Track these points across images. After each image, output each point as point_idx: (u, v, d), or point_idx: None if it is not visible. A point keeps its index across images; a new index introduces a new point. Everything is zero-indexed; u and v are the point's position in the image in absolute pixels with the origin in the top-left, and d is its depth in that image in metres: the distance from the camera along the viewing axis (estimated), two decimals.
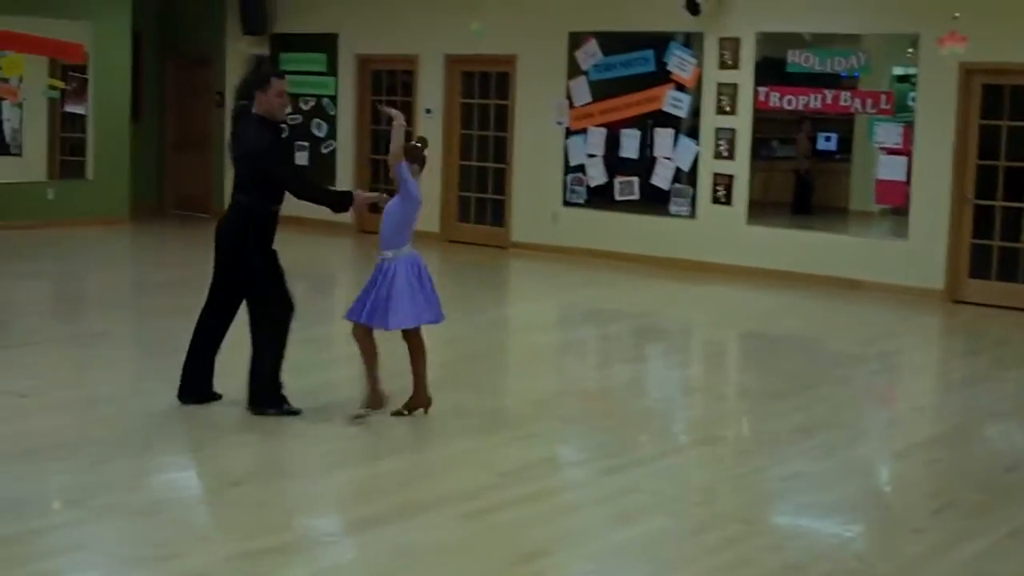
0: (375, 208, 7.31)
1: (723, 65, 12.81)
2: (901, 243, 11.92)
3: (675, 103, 13.15)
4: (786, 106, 12.50)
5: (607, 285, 12.29)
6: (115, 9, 15.50)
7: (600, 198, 13.75)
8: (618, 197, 13.63)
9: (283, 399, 6.93)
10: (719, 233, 12.93)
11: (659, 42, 13.19)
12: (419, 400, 6.97)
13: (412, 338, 6.92)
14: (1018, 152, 11.32)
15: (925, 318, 11.04)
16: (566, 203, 14.01)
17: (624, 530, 5.38)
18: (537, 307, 11.62)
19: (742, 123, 12.73)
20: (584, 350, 9.79)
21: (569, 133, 13.92)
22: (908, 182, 11.79)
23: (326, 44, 15.82)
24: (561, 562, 5.07)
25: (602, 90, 13.63)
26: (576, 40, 13.75)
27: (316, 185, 7.00)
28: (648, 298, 11.78)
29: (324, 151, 15.98)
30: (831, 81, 12.22)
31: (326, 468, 6.27)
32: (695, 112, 13.04)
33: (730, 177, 12.84)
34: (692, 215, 13.14)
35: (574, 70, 13.79)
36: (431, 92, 14.99)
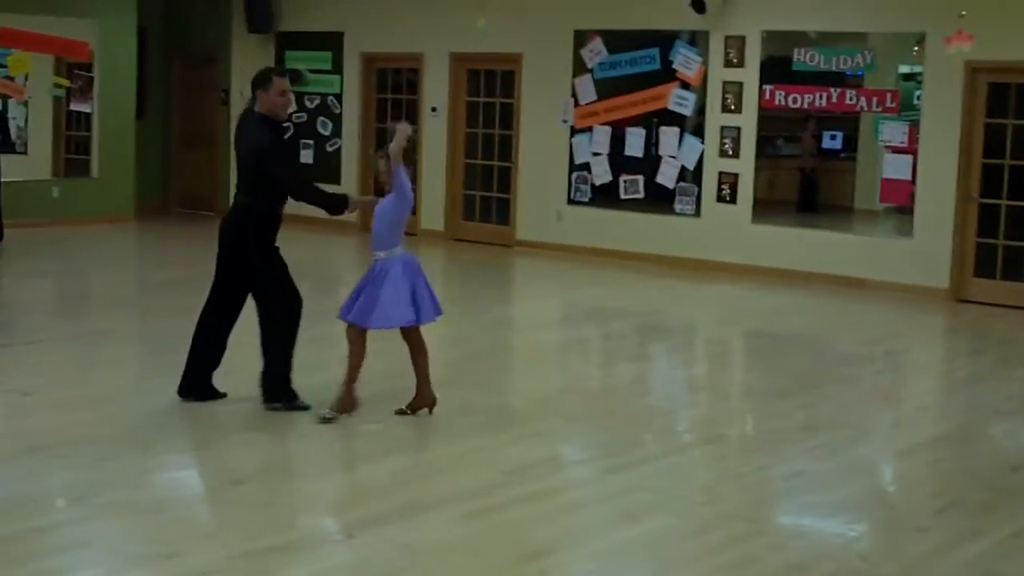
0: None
1: (728, 63, 12.80)
2: (906, 242, 11.90)
3: (680, 101, 13.14)
4: (791, 105, 12.48)
5: (612, 283, 12.28)
6: (121, 7, 15.51)
7: (605, 197, 13.72)
8: (623, 196, 13.61)
9: (293, 393, 6.93)
10: (724, 232, 12.91)
11: (664, 40, 13.17)
12: (423, 399, 6.96)
13: (412, 338, 6.90)
14: None
15: (930, 317, 11.02)
16: (571, 201, 14.00)
17: (627, 529, 5.37)
18: (542, 305, 11.61)
19: (747, 121, 12.71)
20: (588, 348, 9.78)
21: (574, 131, 13.90)
22: (913, 181, 11.78)
23: (332, 42, 15.82)
24: (564, 561, 5.06)
25: (607, 88, 13.61)
26: (581, 38, 13.74)
27: (312, 187, 6.98)
28: (652, 297, 11.77)
29: (329, 149, 15.98)
30: (836, 79, 12.20)
31: (330, 467, 6.29)
32: (700, 110, 13.02)
33: (735, 176, 12.82)
34: (697, 214, 13.12)
35: (579, 68, 13.79)
36: (436, 90, 14.99)
